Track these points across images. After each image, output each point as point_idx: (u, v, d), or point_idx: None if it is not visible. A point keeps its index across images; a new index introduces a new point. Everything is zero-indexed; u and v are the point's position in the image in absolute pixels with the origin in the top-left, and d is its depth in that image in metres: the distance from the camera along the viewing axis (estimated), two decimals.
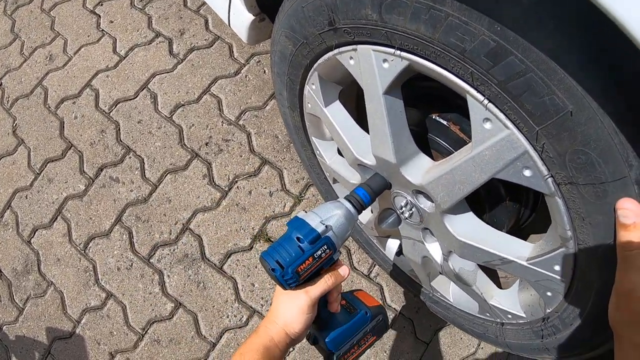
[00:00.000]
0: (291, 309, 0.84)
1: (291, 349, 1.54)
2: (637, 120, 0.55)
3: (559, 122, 0.60)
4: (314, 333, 0.91)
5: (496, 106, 0.66)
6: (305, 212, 0.87)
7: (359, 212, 0.90)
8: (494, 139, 0.70)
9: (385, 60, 0.79)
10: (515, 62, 0.59)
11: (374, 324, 0.94)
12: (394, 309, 1.57)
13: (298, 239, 0.81)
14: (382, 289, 1.58)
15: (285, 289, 0.83)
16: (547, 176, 0.67)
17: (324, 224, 0.83)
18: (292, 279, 0.80)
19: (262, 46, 1.90)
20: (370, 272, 1.60)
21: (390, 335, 1.55)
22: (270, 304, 1.58)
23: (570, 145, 0.61)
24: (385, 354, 1.54)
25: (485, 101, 0.67)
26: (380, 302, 1.01)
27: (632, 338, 0.63)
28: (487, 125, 0.70)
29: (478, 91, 0.67)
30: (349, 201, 0.89)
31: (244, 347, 0.83)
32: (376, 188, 0.94)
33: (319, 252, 0.81)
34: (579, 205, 0.67)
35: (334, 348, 0.89)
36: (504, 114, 0.66)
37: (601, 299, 0.75)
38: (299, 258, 0.80)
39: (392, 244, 1.39)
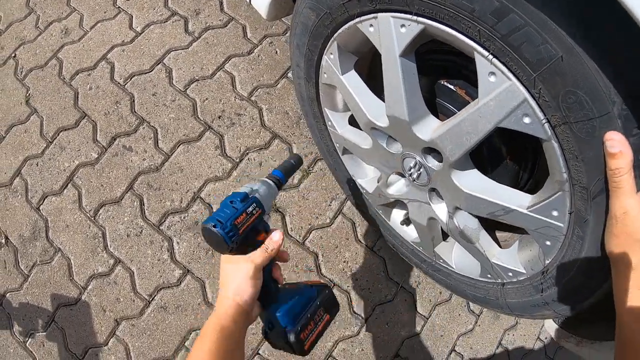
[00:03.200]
0: (238, 277, 0.92)
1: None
2: (615, 61, 0.70)
3: (552, 67, 0.75)
4: (267, 317, 0.96)
5: (500, 60, 0.82)
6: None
7: (279, 187, 1.10)
8: (498, 89, 0.84)
9: (402, 25, 0.94)
10: (516, 18, 0.75)
11: (322, 298, 1.02)
12: (396, 282, 1.71)
13: (231, 202, 0.96)
14: (385, 262, 1.73)
15: (229, 246, 0.90)
16: (544, 120, 0.82)
17: (250, 188, 1.03)
18: (232, 232, 0.90)
19: (274, 28, 2.06)
20: (374, 245, 1.74)
21: (391, 308, 1.69)
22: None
23: (562, 87, 0.75)
24: (387, 326, 1.68)
25: (490, 56, 0.82)
26: (326, 283, 1.10)
27: (628, 260, 0.72)
28: (492, 79, 0.85)
29: (484, 47, 0.83)
30: (270, 180, 1.10)
31: (203, 329, 0.88)
32: (288, 169, 1.15)
33: (250, 209, 0.96)
34: (572, 144, 0.80)
35: (289, 323, 0.94)
36: (507, 67, 0.81)
37: (596, 237, 0.87)
38: (234, 214, 0.93)
39: (397, 215, 1.54)
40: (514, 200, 1.00)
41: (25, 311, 1.87)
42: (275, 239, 0.98)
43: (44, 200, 1.95)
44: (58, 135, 2.01)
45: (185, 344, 1.72)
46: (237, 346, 0.88)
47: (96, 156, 1.95)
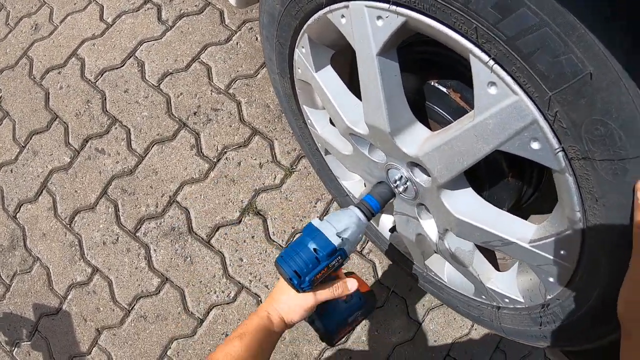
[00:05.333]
0: (295, 302, 0.89)
1: None
2: None
3: (576, 86, 0.50)
4: (313, 316, 0.95)
5: (503, 68, 0.57)
6: (320, 219, 0.90)
7: (369, 219, 0.92)
8: (499, 105, 0.60)
9: (379, 17, 0.69)
10: (528, 15, 0.49)
11: (365, 308, 0.99)
12: (386, 287, 1.49)
13: (315, 250, 0.84)
14: (375, 266, 1.50)
15: (297, 292, 0.87)
16: (558, 150, 0.58)
17: (340, 237, 0.86)
18: (308, 287, 0.85)
19: (254, 12, 1.78)
20: (363, 248, 1.52)
21: (382, 314, 1.48)
22: (259, 279, 1.52)
23: (587, 114, 0.51)
24: (377, 333, 1.47)
25: (491, 62, 0.57)
26: (370, 286, 1.06)
27: None
28: (492, 90, 0.60)
29: (483, 50, 0.58)
30: (360, 210, 0.91)
31: (243, 328, 0.85)
32: (385, 197, 0.95)
33: (334, 262, 0.86)
34: (592, 183, 0.57)
35: (331, 331, 0.96)
36: (512, 77, 0.57)
37: (609, 288, 0.67)
38: (316, 268, 0.84)
39: (386, 220, 1.30)
40: (514, 231, 0.76)
41: (9, 321, 1.70)
42: (349, 287, 0.93)
43: (20, 208, 1.74)
44: (30, 139, 1.78)
45: (168, 353, 1.53)
46: (271, 347, 0.88)
47: (69, 160, 1.71)
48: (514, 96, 0.58)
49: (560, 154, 0.58)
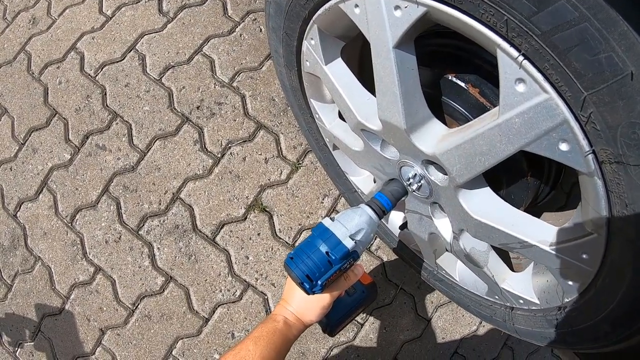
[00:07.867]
0: (311, 301, 0.88)
1: None
2: None
3: (615, 86, 0.48)
4: None
5: (534, 64, 0.54)
6: (330, 217, 0.88)
7: (380, 218, 0.90)
8: (527, 104, 0.57)
9: (397, 8, 0.66)
10: (567, 8, 0.46)
11: (367, 300, 1.02)
12: (395, 284, 1.47)
13: (327, 253, 0.82)
14: (383, 263, 1.48)
15: (308, 294, 0.86)
16: (588, 152, 0.55)
17: (353, 240, 0.83)
18: (319, 290, 0.84)
19: (258, 3, 1.74)
20: (371, 245, 1.49)
21: (390, 312, 1.46)
22: (265, 277, 1.49)
23: (625, 116, 0.49)
24: (385, 330, 1.45)
25: (521, 58, 0.54)
26: (373, 279, 1.08)
27: None
28: (520, 88, 0.57)
29: (512, 45, 0.55)
30: (372, 208, 0.88)
31: (258, 331, 0.84)
32: (397, 195, 0.92)
33: (346, 265, 0.85)
34: (623, 188, 0.55)
35: (335, 324, 0.99)
36: (543, 74, 0.54)
37: (632, 293, 0.65)
38: (328, 271, 0.82)
39: (396, 217, 1.27)
40: (534, 233, 0.74)
41: (12, 321, 1.68)
42: (356, 273, 0.93)
43: (20, 206, 1.71)
44: (30, 136, 1.74)
45: (173, 352, 1.51)
46: (285, 352, 0.86)
47: (69, 157, 1.68)
48: (544, 94, 0.55)
49: (590, 157, 0.55)
